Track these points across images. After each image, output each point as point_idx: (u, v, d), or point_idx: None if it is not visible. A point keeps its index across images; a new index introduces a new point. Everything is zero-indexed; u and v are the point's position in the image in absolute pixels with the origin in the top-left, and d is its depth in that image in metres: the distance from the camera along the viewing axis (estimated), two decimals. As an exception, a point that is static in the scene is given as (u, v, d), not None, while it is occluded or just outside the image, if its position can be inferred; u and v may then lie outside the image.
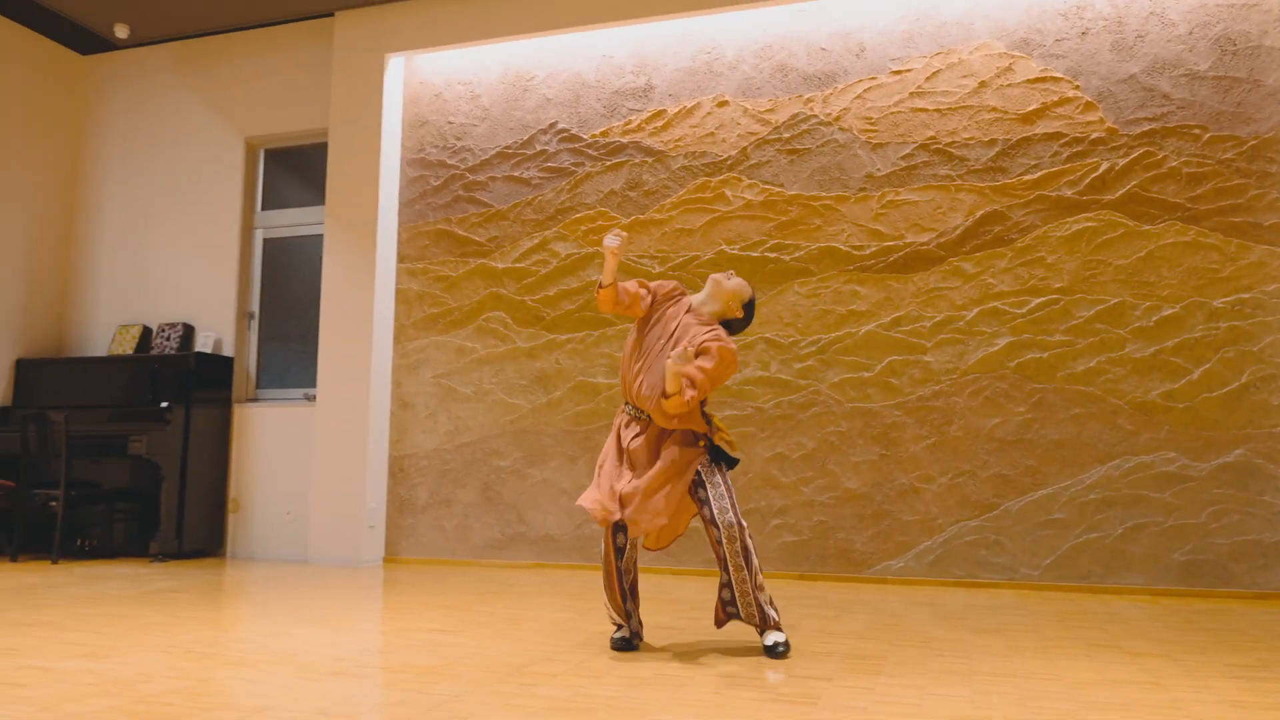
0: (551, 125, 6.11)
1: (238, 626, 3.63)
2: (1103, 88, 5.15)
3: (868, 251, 5.42)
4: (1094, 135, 5.14)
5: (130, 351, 6.68)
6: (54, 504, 5.88)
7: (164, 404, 6.13)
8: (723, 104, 5.79)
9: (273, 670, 2.82)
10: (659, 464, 3.12)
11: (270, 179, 6.95)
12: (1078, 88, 5.20)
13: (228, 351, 6.64)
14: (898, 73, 5.49)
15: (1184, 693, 2.65)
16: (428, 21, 6.19)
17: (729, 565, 3.11)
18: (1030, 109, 5.26)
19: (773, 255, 5.58)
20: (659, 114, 5.90)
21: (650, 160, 5.88)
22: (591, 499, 3.15)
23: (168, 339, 6.65)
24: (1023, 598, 4.63)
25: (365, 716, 2.30)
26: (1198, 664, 3.06)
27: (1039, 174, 5.20)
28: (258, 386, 6.73)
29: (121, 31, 6.59)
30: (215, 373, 6.47)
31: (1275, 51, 4.93)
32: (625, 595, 3.22)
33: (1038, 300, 5.13)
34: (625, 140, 5.95)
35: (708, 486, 3.15)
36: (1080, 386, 5.01)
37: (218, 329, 6.69)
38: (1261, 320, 4.81)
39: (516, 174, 6.15)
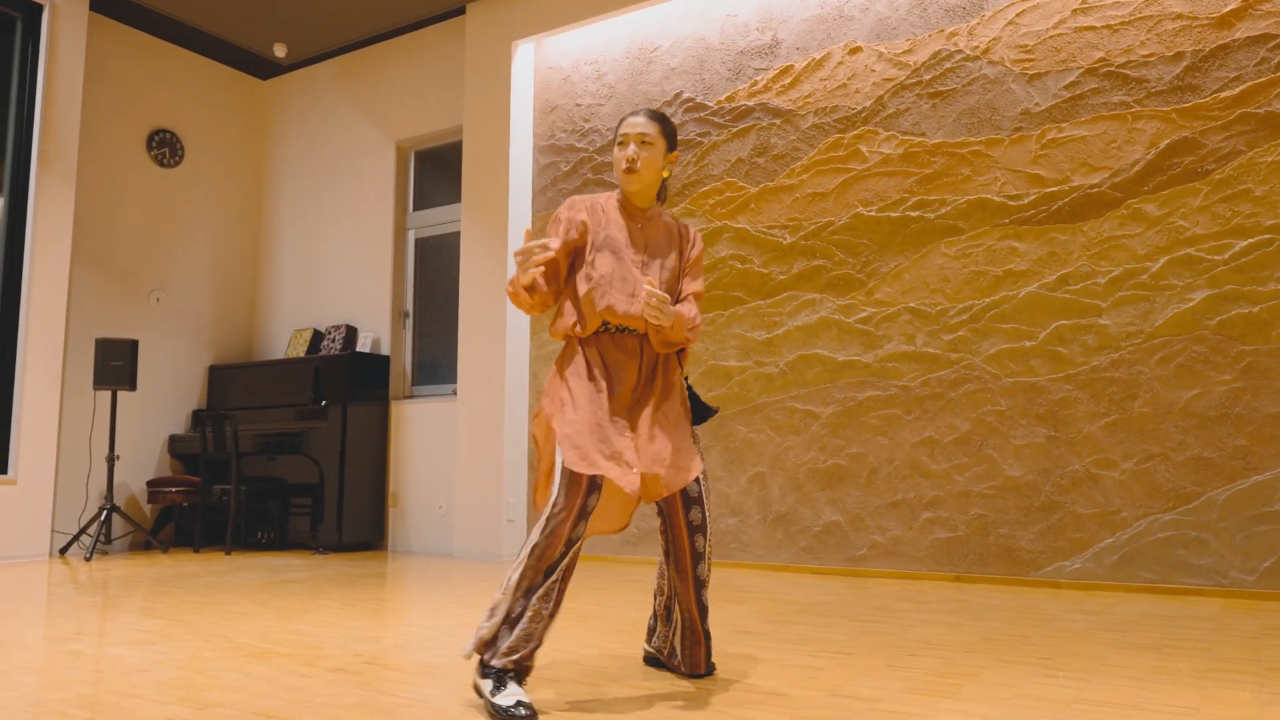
0: (677, 95, 5.77)
1: (307, 618, 3.58)
2: (1325, -29, 4.11)
3: (1026, 200, 4.65)
4: (1315, 32, 4.11)
5: (303, 354, 7.03)
6: (228, 498, 6.26)
7: (323, 403, 6.38)
8: (855, 51, 5.20)
9: (271, 664, 2.69)
10: (670, 402, 2.42)
11: (420, 179, 7.09)
12: (1291, -24, 4.18)
13: (385, 350, 6.82)
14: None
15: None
16: (552, 2, 6.04)
17: (702, 584, 2.45)
18: (1228, 9, 4.29)
19: (915, 214, 4.93)
20: (786, 70, 5.40)
21: (778, 122, 5.40)
22: (616, 471, 2.22)
23: (333, 340, 6.93)
24: (1229, 608, 3.74)
25: (296, 714, 2.09)
26: None
27: (1241, 88, 4.23)
28: (414, 384, 6.86)
29: (280, 50, 6.95)
30: (374, 371, 6.66)
31: None
32: (556, 599, 2.21)
33: (1244, 243, 4.16)
34: (751, 103, 5.50)
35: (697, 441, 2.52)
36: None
37: (376, 328, 6.89)
38: None
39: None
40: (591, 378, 2.35)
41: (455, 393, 6.52)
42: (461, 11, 6.61)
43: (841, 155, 5.17)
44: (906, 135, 5.00)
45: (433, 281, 6.92)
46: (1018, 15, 4.77)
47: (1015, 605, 3.83)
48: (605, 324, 2.40)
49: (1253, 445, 4.07)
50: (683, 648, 2.48)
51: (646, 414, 2.36)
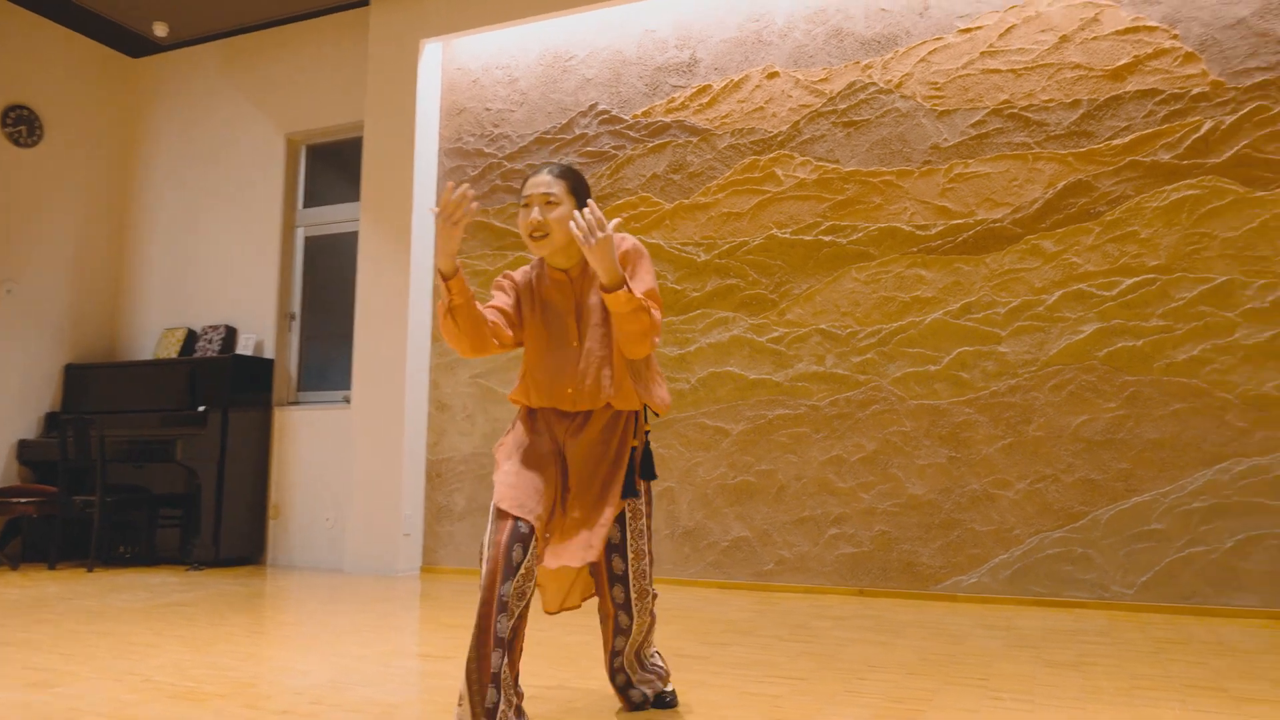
0: (592, 107, 5.73)
1: (218, 649, 3.35)
2: (1205, 35, 4.49)
3: (934, 231, 4.87)
4: (1195, 90, 4.48)
5: (175, 355, 6.58)
6: (91, 510, 5.78)
7: (201, 408, 5.99)
8: (772, 75, 5.31)
9: (210, 708, 2.50)
10: (601, 474, 2.27)
11: (312, 176, 6.77)
12: (1175, 37, 4.54)
13: (269, 354, 6.47)
14: (966, 31, 4.92)
15: (1305, 761, 2.09)
16: (464, 3, 5.89)
17: (637, 636, 2.38)
18: (1120, 64, 4.62)
19: (828, 238, 5.08)
20: (704, 89, 5.46)
21: (695, 140, 5.45)
22: (513, 501, 2.10)
23: (210, 341, 6.53)
24: (1114, 620, 4.02)
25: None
26: (1326, 717, 2.46)
27: (1130, 137, 4.56)
28: (299, 389, 6.54)
29: (160, 29, 6.50)
30: (256, 375, 6.31)
31: None
32: (505, 650, 2.04)
33: (1130, 281, 4.49)
34: (668, 119, 5.53)
35: (640, 519, 2.34)
36: (1181, 378, 4.36)
37: (259, 330, 6.53)
38: (1404, 298, 4.08)
39: (555, 160, 5.79)
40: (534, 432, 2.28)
41: (347, 400, 6.25)
42: (365, 3, 6.36)
43: (757, 177, 5.27)
44: (821, 161, 5.14)
45: (323, 283, 6.62)
46: (929, 53, 4.99)
47: (924, 620, 3.99)
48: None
49: (1134, 468, 4.39)
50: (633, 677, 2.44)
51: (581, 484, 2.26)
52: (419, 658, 3.17)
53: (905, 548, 4.74)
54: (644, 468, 2.33)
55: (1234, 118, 4.40)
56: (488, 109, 6.04)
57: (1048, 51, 4.76)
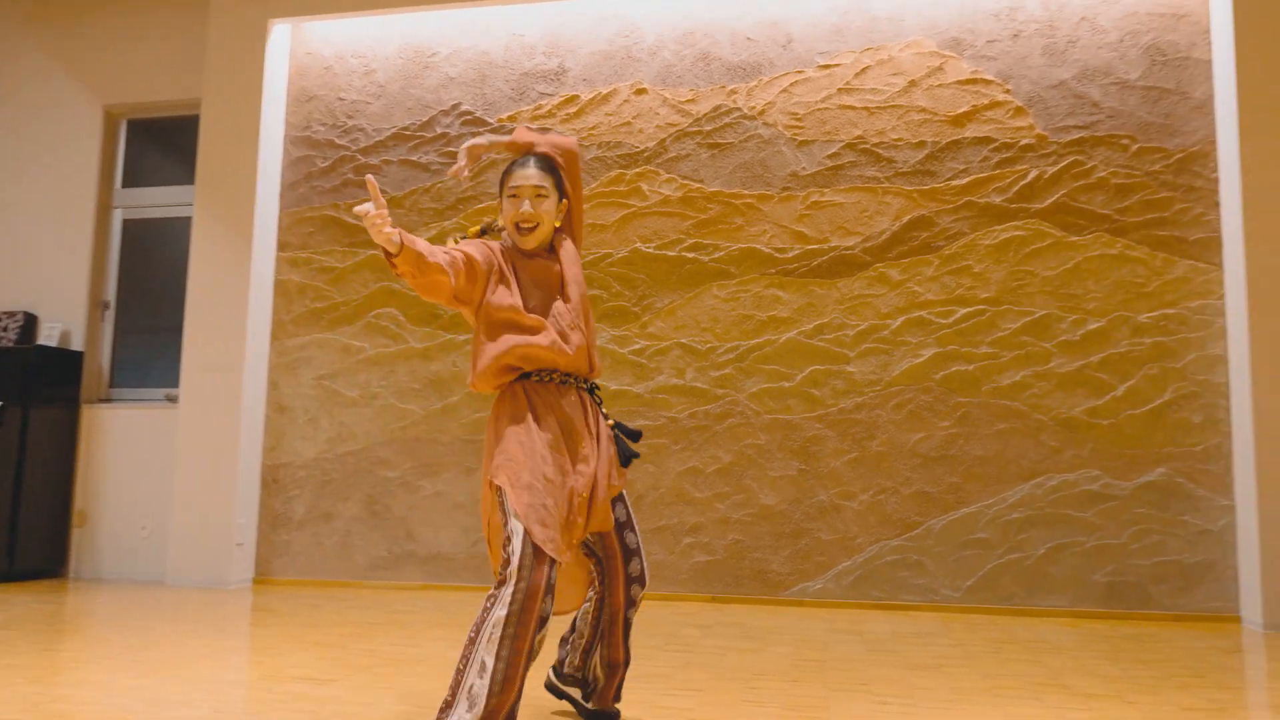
0: (454, 107, 5.62)
1: (66, 678, 3.04)
2: (1033, 92, 4.99)
3: (791, 254, 5.13)
4: (1024, 141, 4.97)
5: (-39, 342, 5.86)
6: None
7: (-2, 403, 5.37)
8: (641, 92, 5.40)
9: (98, 743, 2.29)
10: (603, 448, 2.35)
11: (134, 153, 6.22)
12: (1008, 91, 5.02)
13: (77, 345, 5.89)
14: (825, 67, 5.22)
15: (1159, 750, 2.40)
16: (317, -14, 5.61)
17: (627, 630, 2.44)
18: (960, 111, 5.05)
19: (691, 255, 5.23)
20: (572, 99, 5.48)
21: (561, 149, 5.45)
22: (546, 536, 2.11)
23: (4, 329, 5.86)
24: (946, 621, 4.40)
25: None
26: (1153, 706, 2.82)
27: (968, 179, 5.00)
28: (111, 386, 6.00)
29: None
30: (62, 369, 5.72)
31: (1203, 64, 4.85)
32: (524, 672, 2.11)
33: (964, 310, 4.92)
34: (535, 127, 5.49)
35: (626, 505, 2.45)
36: (1005, 401, 4.82)
37: (65, 319, 5.93)
38: (1185, 337, 4.71)
39: (414, 158, 5.63)
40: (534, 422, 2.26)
41: (170, 399, 5.79)
42: (204, -27, 5.92)
43: (623, 191, 5.35)
44: (686, 180, 5.28)
45: (143, 270, 6.09)
46: (791, 85, 5.25)
47: (780, 626, 4.20)
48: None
49: (963, 482, 4.82)
50: (604, 672, 2.46)
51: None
52: (302, 681, 3.01)
53: (757, 555, 4.96)
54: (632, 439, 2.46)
55: (1055, 169, 4.91)
56: (340, 98, 5.78)
57: (898, 94, 5.13)
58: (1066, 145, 4.92)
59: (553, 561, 2.10)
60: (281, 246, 5.72)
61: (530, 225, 2.35)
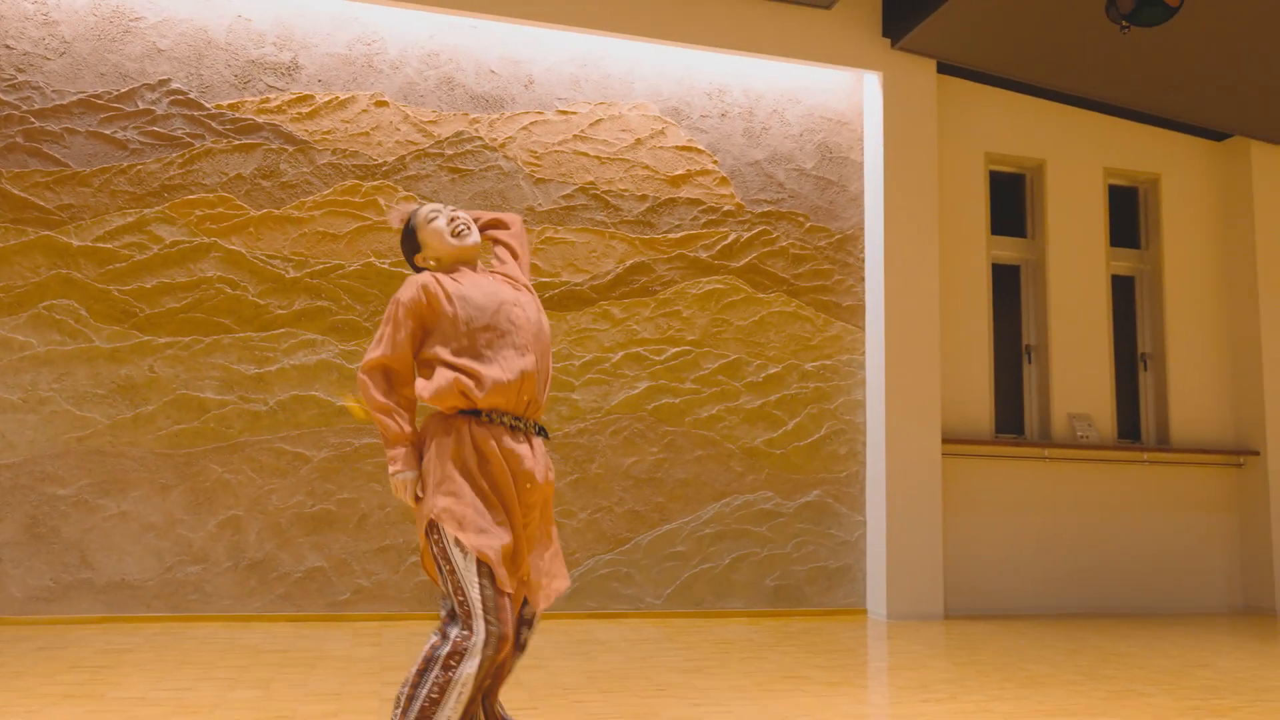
0: (163, 83, 5.04)
1: None
2: (735, 166, 5.81)
3: (525, 285, 5.39)
4: (726, 207, 5.76)
5: None
6: None
7: None
8: (381, 104, 5.32)
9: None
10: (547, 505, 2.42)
11: None
12: (716, 162, 5.79)
13: None
14: (564, 113, 5.58)
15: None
16: (-10, -91, 4.72)
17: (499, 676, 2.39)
18: (677, 173, 5.71)
19: (427, 275, 5.26)
20: (305, 98, 5.22)
21: (290, 149, 5.17)
22: (506, 577, 2.16)
23: None
24: (657, 626, 4.97)
25: None
26: (829, 681, 3.60)
27: (681, 234, 5.67)
28: None
29: None
30: None
31: (857, 164, 6.02)
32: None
33: (674, 349, 5.57)
34: (261, 120, 5.15)
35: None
36: (704, 431, 5.55)
37: None
38: (837, 383, 5.81)
39: (107, 132, 4.95)
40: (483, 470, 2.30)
41: None
42: None
43: (358, 202, 5.22)
44: (425, 200, 5.31)
45: None
46: (531, 124, 5.53)
47: (551, 641, 4.47)
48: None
49: (668, 502, 5.45)
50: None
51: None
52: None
53: (482, 572, 5.13)
54: None
55: (749, 234, 5.77)
56: (8, 46, 4.90)
57: (626, 149, 5.66)
58: (758, 216, 5.81)
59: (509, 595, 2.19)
60: (-87, 212, 4.69)
61: (465, 227, 2.43)
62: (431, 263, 2.44)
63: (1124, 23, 4.39)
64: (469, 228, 2.43)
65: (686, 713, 3.14)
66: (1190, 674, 4.04)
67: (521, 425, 2.30)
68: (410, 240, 2.46)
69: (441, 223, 2.41)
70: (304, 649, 4.11)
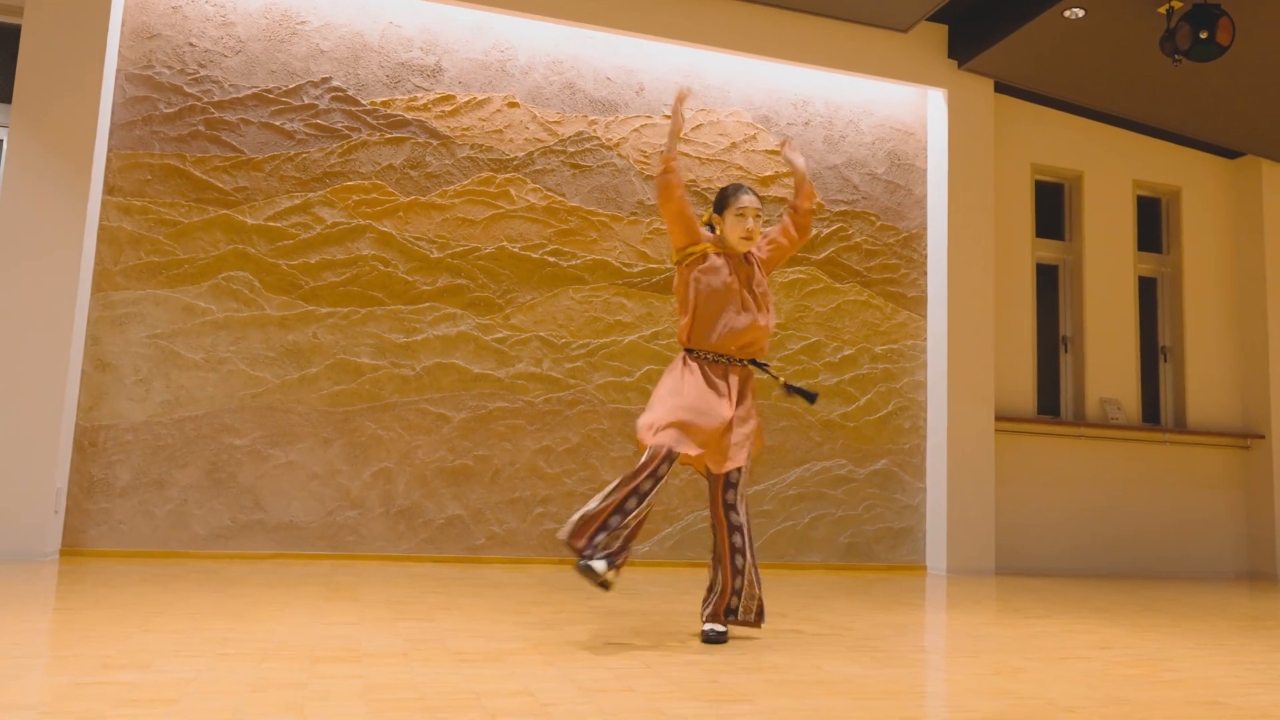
0: (325, 80, 5.64)
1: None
2: (815, 170, 6.50)
3: (635, 270, 6.05)
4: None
5: None
6: None
7: None
8: (513, 105, 5.95)
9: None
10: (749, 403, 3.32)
11: (-118, 46, 5.18)
12: (800, 165, 6.46)
13: None
14: (669, 118, 6.23)
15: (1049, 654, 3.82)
16: (184, -78, 5.29)
17: (751, 557, 3.19)
18: (766, 174, 6.40)
19: (551, 260, 5.90)
20: (447, 98, 5.84)
21: (435, 143, 5.78)
22: (690, 446, 3.04)
23: None
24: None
25: None
26: (893, 615, 4.30)
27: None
28: None
29: None
30: None
31: (922, 171, 6.74)
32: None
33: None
34: (409, 116, 5.76)
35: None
36: (788, 404, 6.23)
37: None
38: (903, 365, 6.52)
39: (277, 123, 5.54)
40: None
41: (-58, 344, 4.97)
42: None
43: (492, 192, 5.85)
44: (550, 192, 5.95)
45: (-107, 188, 5.10)
46: (641, 126, 6.18)
47: (652, 580, 5.13)
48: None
49: (756, 466, 6.12)
50: (706, 600, 3.21)
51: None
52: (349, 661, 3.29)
53: (598, 524, 5.78)
54: None
55: (828, 231, 6.47)
56: (191, 44, 5.47)
57: (722, 151, 6.33)
58: (836, 214, 6.51)
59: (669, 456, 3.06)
60: (110, 190, 5.25)
61: (750, 238, 3.25)
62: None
63: (1178, 57, 5.13)
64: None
65: (847, 619, 3.82)
66: (1231, 608, 4.79)
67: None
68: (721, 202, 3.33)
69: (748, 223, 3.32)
70: (467, 581, 4.73)
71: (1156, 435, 7.07)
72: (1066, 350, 7.18)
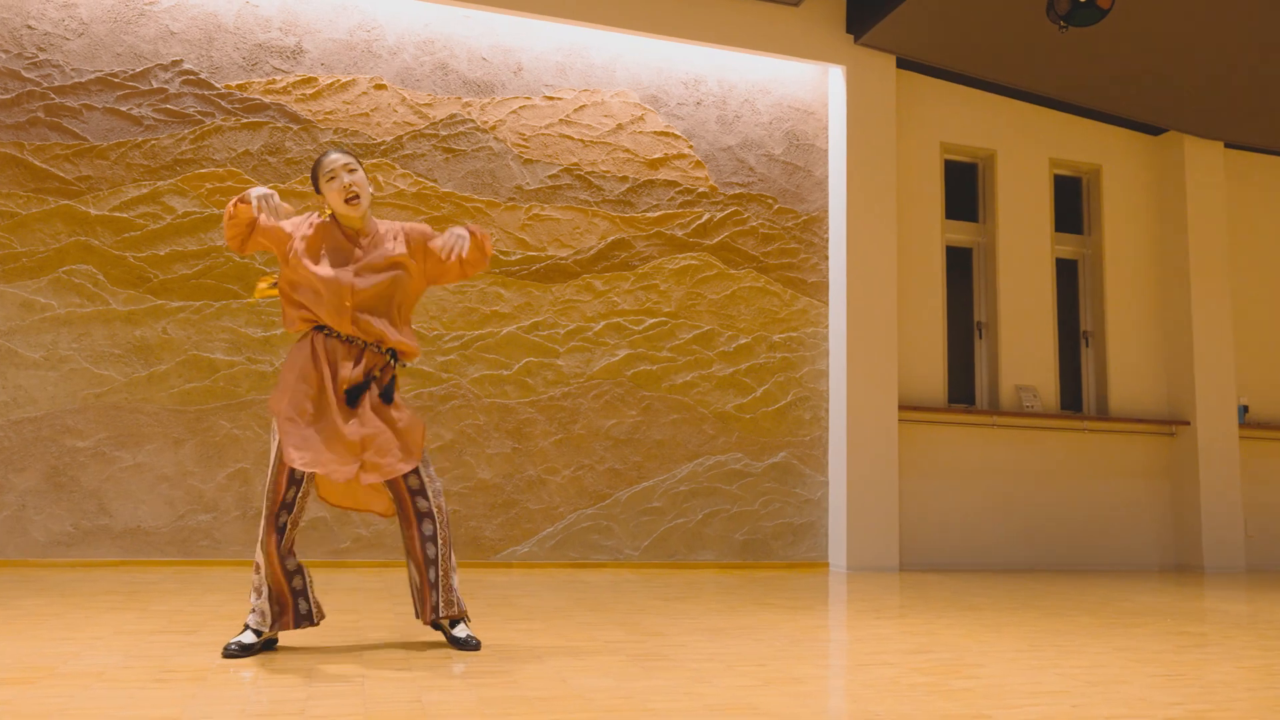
0: (175, 64, 5.38)
1: None
2: (709, 152, 6.24)
3: (513, 258, 5.79)
4: (700, 189, 6.19)
5: None
6: None
7: None
8: (380, 87, 5.69)
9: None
10: (397, 406, 2.94)
11: None
12: (691, 147, 6.21)
13: None
14: (550, 99, 5.98)
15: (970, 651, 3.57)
16: (15, -102, 5.03)
17: (441, 557, 2.91)
18: (655, 157, 6.13)
19: (422, 248, 5.63)
20: (309, 80, 5.58)
21: (295, 128, 5.52)
22: (319, 461, 2.70)
23: None
24: (633, 573, 5.39)
25: None
26: (781, 617, 4.04)
27: (658, 213, 6.09)
28: None
29: None
30: None
31: (822, 151, 6.48)
32: (287, 571, 2.75)
33: (651, 320, 5.99)
34: (267, 100, 5.50)
35: (425, 463, 2.95)
36: (678, 396, 5.98)
37: None
38: (802, 354, 6.26)
39: (123, 109, 5.28)
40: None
41: None
42: None
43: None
44: (421, 177, 5.69)
45: None
46: (520, 108, 5.92)
47: (501, 584, 4.87)
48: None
49: (645, 461, 5.87)
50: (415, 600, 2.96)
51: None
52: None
53: (473, 524, 5.53)
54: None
55: (721, 215, 6.21)
56: (30, 26, 5.21)
57: (608, 133, 6.07)
58: (730, 197, 6.24)
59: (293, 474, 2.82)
60: (-60, 181, 5.00)
61: (353, 195, 2.95)
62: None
63: (1062, 23, 4.87)
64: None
65: (666, 623, 3.56)
66: (1113, 604, 4.53)
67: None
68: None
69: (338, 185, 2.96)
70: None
71: (1076, 423, 6.81)
72: (981, 336, 6.91)
